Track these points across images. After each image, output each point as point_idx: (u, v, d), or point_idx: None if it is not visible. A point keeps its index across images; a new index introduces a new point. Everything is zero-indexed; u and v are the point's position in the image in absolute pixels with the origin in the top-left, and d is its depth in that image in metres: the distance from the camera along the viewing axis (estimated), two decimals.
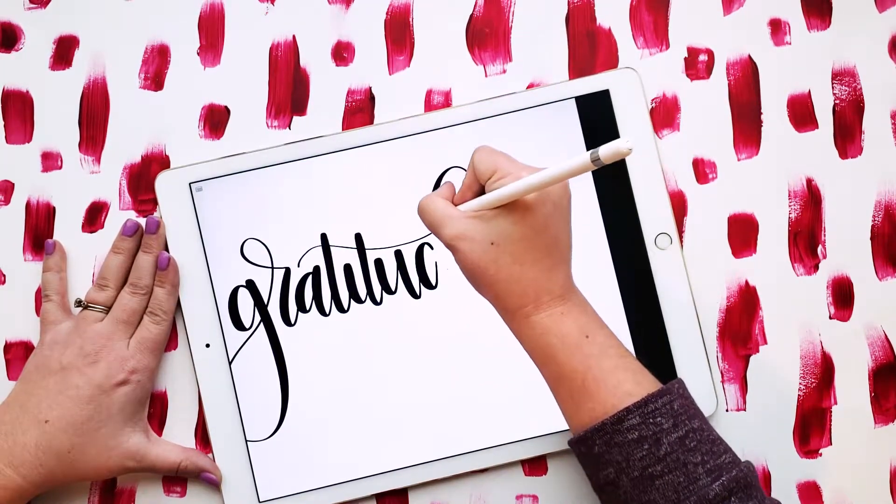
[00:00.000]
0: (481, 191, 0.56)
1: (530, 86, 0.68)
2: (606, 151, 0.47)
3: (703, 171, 0.68)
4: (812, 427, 0.66)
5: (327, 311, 0.66)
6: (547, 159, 0.66)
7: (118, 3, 0.69)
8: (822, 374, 0.67)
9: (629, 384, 0.53)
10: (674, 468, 0.52)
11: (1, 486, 0.60)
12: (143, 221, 0.67)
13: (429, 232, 0.66)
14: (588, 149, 0.66)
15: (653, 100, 0.68)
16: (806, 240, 0.67)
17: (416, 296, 0.66)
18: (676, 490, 0.51)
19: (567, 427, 0.65)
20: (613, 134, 0.67)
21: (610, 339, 0.55)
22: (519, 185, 0.52)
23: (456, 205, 0.57)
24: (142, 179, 0.68)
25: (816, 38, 0.68)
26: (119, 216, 0.67)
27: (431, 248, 0.66)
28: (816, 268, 0.67)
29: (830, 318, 0.67)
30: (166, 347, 0.66)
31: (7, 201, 0.68)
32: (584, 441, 0.54)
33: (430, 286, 0.66)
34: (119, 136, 0.68)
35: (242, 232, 0.66)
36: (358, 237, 0.67)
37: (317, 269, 0.66)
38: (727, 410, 0.66)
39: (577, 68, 0.68)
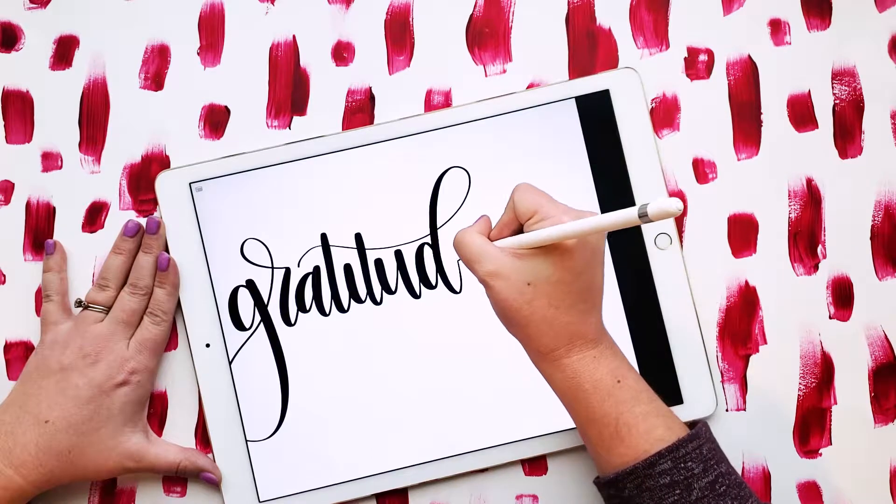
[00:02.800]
0: (519, 229, 0.55)
1: (530, 86, 0.68)
2: (655, 210, 0.46)
3: (703, 171, 0.68)
4: (812, 427, 0.66)
5: (327, 311, 0.66)
6: (547, 159, 0.67)
7: (118, 3, 0.69)
8: (822, 374, 0.67)
9: (661, 429, 0.54)
10: None
11: (1, 487, 0.60)
12: (143, 222, 0.67)
13: (428, 232, 0.66)
14: (588, 149, 0.67)
15: (653, 100, 0.68)
16: (806, 240, 0.67)
17: (416, 296, 0.66)
18: None
19: (568, 428, 0.65)
20: (614, 134, 0.67)
21: (640, 383, 0.55)
22: (562, 230, 0.52)
23: (492, 240, 0.56)
24: (142, 179, 0.68)
25: (816, 38, 0.68)
26: (119, 216, 0.67)
27: (431, 247, 0.66)
28: (816, 268, 0.67)
29: (830, 318, 0.67)
30: (166, 347, 0.66)
31: (7, 201, 0.68)
32: (614, 484, 0.54)
33: (430, 286, 0.66)
34: (119, 136, 0.68)
35: (242, 232, 0.66)
36: (358, 237, 0.67)
37: (317, 269, 0.66)
38: (727, 410, 0.66)
39: (577, 68, 0.68)
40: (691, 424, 0.57)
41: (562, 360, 0.54)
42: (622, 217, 0.49)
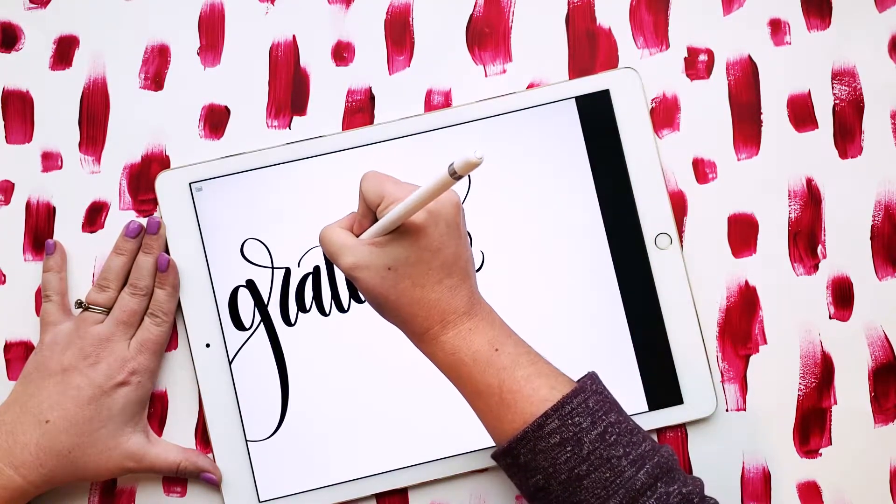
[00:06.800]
0: (375, 219, 0.55)
1: (530, 86, 0.68)
2: (458, 163, 0.48)
3: (703, 171, 0.68)
4: (812, 427, 0.66)
5: (327, 311, 0.66)
6: (547, 159, 0.67)
7: (118, 3, 0.69)
8: (822, 374, 0.67)
9: (544, 390, 0.53)
10: (598, 465, 0.52)
11: (1, 487, 0.60)
12: (144, 222, 0.67)
13: None
14: (588, 149, 0.67)
15: (653, 100, 0.68)
16: (806, 240, 0.67)
17: None
18: (605, 486, 0.52)
19: None
20: (614, 134, 0.67)
21: (519, 347, 0.55)
22: (400, 209, 0.52)
23: (356, 235, 0.56)
24: (142, 179, 0.68)
25: (816, 38, 0.68)
26: (119, 216, 0.67)
27: None
28: (816, 268, 0.67)
29: (830, 318, 0.67)
30: (166, 347, 0.66)
31: (7, 201, 0.68)
32: (509, 452, 0.54)
33: None
34: (119, 136, 0.68)
35: (242, 232, 0.66)
36: None
37: (317, 268, 0.66)
38: (727, 410, 0.66)
39: (577, 68, 0.68)
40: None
41: (438, 337, 0.55)
42: (438, 180, 0.49)
